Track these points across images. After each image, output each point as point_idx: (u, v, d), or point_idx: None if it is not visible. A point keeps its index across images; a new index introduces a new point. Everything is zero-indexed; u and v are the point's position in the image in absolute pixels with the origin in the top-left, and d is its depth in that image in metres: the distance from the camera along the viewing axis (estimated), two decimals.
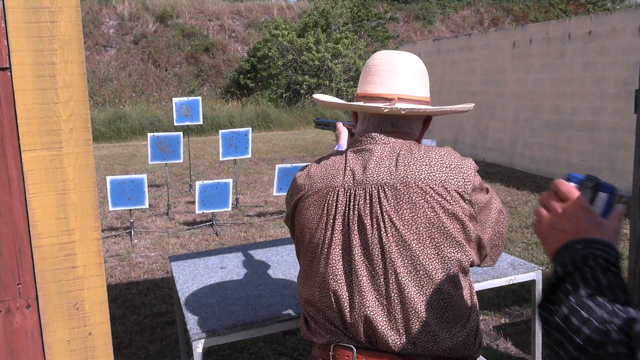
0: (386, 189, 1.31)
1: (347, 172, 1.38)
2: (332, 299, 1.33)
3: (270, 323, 1.91)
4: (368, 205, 1.32)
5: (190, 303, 2.06)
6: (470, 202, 1.31)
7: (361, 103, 1.44)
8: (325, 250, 1.35)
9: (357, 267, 1.31)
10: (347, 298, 1.32)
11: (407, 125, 1.45)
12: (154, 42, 20.45)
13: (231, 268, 2.44)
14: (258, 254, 2.63)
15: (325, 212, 1.36)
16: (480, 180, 1.36)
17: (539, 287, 2.36)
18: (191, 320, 1.91)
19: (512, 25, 22.47)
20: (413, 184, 1.30)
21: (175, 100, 7.54)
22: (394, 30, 23.09)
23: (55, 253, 1.36)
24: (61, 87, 1.32)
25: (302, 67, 18.57)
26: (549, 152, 8.40)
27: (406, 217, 1.28)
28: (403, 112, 1.38)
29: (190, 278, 2.33)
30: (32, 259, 1.35)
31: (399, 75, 1.43)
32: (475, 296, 1.41)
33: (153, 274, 4.82)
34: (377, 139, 1.40)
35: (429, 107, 1.44)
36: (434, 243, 1.28)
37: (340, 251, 1.33)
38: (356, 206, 1.33)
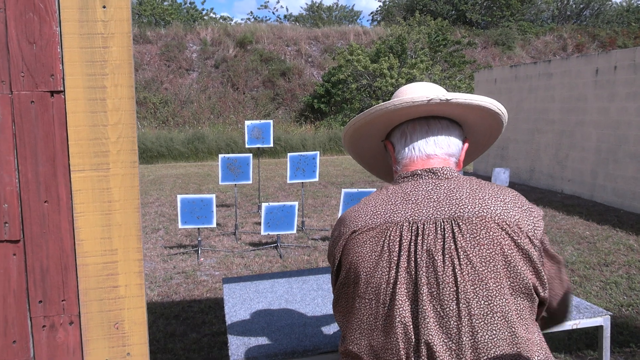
0: (460, 223, 1.22)
1: (409, 205, 1.28)
2: (401, 343, 1.21)
3: (312, 354, 1.86)
4: (440, 241, 1.21)
5: (235, 327, 2.05)
6: (537, 248, 1.24)
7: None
8: (390, 290, 1.23)
9: (425, 307, 1.19)
10: (414, 343, 1.20)
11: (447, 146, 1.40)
12: (233, 66, 21.19)
13: (280, 294, 2.42)
14: (309, 281, 2.59)
15: (387, 248, 1.24)
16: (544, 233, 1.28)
17: (606, 334, 2.16)
18: (233, 345, 1.89)
19: (597, 51, 21.52)
20: (489, 219, 1.21)
21: (247, 123, 7.73)
22: (471, 55, 22.71)
23: (98, 272, 1.39)
24: (110, 110, 1.35)
25: (375, 92, 18.59)
26: (634, 185, 7.88)
27: (484, 254, 1.19)
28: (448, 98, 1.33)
29: (239, 302, 2.32)
30: (77, 277, 1.38)
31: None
32: (544, 341, 1.30)
33: (215, 292, 4.89)
34: (438, 173, 1.33)
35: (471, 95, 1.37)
36: (510, 282, 1.19)
37: (405, 291, 1.22)
38: (425, 242, 1.22)
